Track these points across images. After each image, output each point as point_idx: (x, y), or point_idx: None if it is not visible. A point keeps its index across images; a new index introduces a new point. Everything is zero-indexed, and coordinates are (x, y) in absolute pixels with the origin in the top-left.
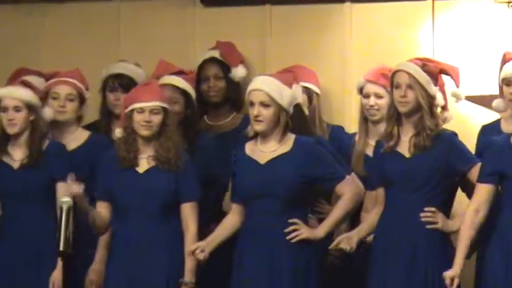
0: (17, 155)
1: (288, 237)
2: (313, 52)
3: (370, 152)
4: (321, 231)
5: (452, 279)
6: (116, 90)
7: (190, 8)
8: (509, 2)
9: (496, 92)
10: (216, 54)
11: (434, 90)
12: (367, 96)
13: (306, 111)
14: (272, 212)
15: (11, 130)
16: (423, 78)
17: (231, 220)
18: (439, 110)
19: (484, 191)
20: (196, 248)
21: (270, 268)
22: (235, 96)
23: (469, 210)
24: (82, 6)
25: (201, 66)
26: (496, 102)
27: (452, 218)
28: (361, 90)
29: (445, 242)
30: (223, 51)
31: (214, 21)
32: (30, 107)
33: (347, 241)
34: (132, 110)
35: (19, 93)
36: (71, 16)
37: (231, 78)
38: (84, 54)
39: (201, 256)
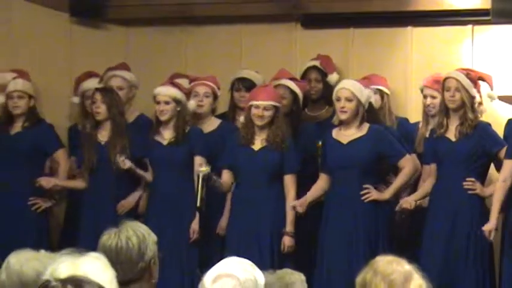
0: (166, 136)
1: (362, 198)
2: (384, 63)
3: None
4: (386, 194)
5: (490, 232)
6: (240, 90)
7: (294, 30)
8: None
9: None
10: (317, 63)
11: (474, 91)
12: (425, 97)
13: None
14: (351, 179)
15: (162, 118)
16: (467, 83)
17: (320, 184)
18: (476, 104)
19: (510, 165)
20: (297, 204)
21: (349, 224)
22: (328, 95)
23: (499, 181)
24: (214, 29)
25: (305, 71)
26: None
27: (486, 186)
28: (422, 91)
29: (481, 204)
30: (323, 62)
31: (311, 39)
32: (176, 101)
33: (407, 202)
34: (251, 105)
35: (169, 91)
36: (206, 36)
37: (327, 81)
38: (216, 65)
39: (300, 209)
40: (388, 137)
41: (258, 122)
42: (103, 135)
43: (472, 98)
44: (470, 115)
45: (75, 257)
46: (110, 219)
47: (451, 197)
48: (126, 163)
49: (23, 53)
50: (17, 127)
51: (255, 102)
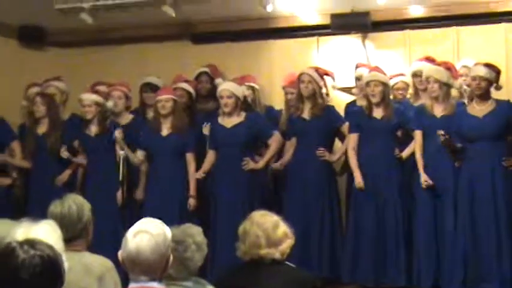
0: (93, 129)
1: (243, 167)
2: (254, 66)
3: None
4: (260, 164)
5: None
6: (147, 91)
7: (186, 46)
8: None
9: None
10: (207, 69)
11: (322, 83)
12: (286, 94)
13: None
14: (234, 154)
15: (87, 117)
16: (316, 76)
17: (210, 159)
18: (324, 93)
19: (352, 137)
20: (196, 174)
21: (233, 188)
22: (214, 92)
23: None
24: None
25: (198, 76)
26: None
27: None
28: (283, 88)
29: (329, 167)
30: (211, 69)
31: (200, 53)
32: (96, 104)
33: (276, 165)
34: (156, 101)
35: (90, 97)
36: (117, 55)
37: (214, 84)
38: (127, 77)
39: (199, 177)
40: (260, 121)
41: (162, 111)
42: (41, 129)
43: (320, 87)
44: (319, 100)
45: (30, 224)
46: (53, 194)
47: (306, 164)
48: (65, 154)
49: None
50: None
51: (158, 98)
